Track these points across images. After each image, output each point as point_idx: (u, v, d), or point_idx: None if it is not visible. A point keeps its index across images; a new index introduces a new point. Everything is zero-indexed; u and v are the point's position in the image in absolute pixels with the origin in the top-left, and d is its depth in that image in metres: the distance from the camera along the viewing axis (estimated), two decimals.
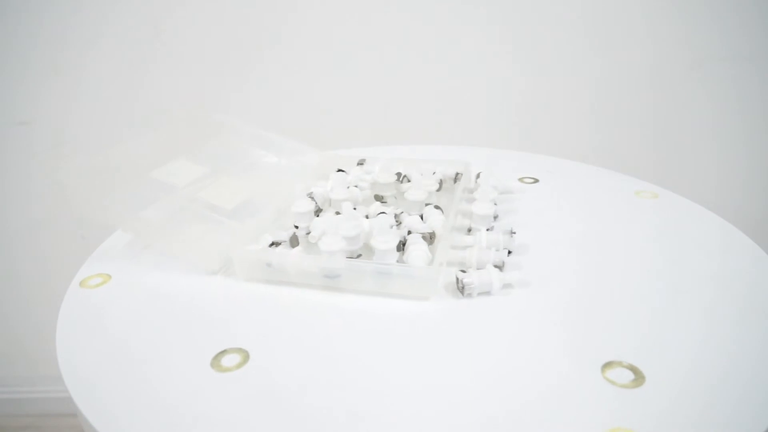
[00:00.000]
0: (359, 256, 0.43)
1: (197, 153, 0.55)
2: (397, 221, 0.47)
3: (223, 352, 0.34)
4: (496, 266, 0.41)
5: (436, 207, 0.48)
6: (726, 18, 0.83)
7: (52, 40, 0.87)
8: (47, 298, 1.02)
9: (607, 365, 0.32)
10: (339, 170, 0.57)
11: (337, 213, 0.49)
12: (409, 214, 0.48)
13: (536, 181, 0.59)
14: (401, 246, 0.43)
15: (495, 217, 0.49)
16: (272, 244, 0.44)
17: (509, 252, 0.44)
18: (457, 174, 0.55)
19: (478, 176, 0.57)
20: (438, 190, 0.53)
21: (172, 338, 0.36)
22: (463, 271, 0.39)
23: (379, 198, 0.54)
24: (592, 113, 0.90)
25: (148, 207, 0.47)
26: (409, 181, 0.55)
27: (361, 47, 0.88)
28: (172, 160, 0.53)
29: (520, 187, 0.58)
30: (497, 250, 0.42)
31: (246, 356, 0.34)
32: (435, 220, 0.46)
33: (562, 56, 0.87)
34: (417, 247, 0.42)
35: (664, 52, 0.86)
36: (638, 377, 0.31)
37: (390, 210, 0.49)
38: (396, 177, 0.54)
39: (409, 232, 0.45)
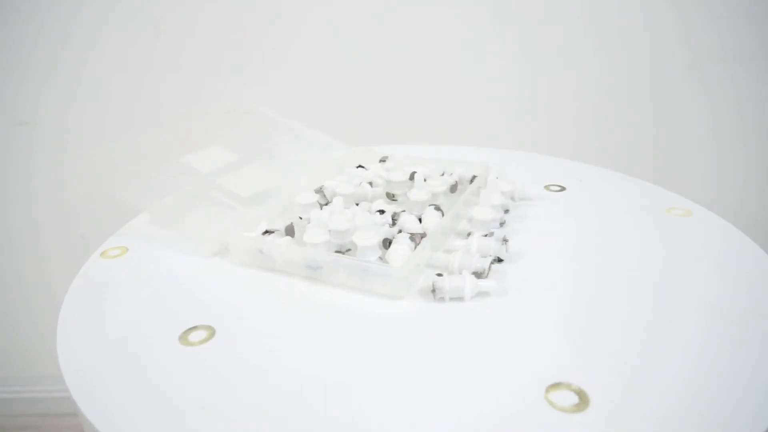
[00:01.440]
0: (348, 250, 0.44)
1: (230, 141, 0.58)
2: (393, 219, 0.47)
3: (194, 328, 0.36)
4: (477, 273, 0.40)
5: (436, 208, 0.48)
6: (726, 18, 0.83)
7: (52, 40, 0.87)
8: (47, 298, 1.02)
9: (554, 386, 0.30)
10: (359, 166, 0.58)
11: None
12: (411, 214, 0.48)
13: (563, 189, 0.57)
14: (388, 244, 0.43)
15: (502, 224, 0.49)
16: (265, 232, 0.46)
17: (500, 260, 0.43)
18: (474, 177, 0.55)
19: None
20: (453, 191, 0.53)
21: (165, 322, 0.37)
22: (440, 275, 0.39)
23: (390, 196, 0.54)
24: (592, 113, 0.90)
25: (174, 190, 0.50)
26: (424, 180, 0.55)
27: (362, 49, 0.88)
28: (205, 147, 0.56)
29: (543, 194, 0.56)
30: (483, 257, 0.41)
31: (212, 333, 0.36)
32: (430, 222, 0.46)
33: (562, 56, 0.87)
34: (399, 247, 0.42)
35: (664, 52, 0.86)
36: (582, 402, 0.29)
37: (390, 208, 0.49)
38: (410, 176, 0.54)
39: (400, 231, 0.45)
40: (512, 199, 0.54)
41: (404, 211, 0.48)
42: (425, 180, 0.53)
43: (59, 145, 0.93)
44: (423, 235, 0.44)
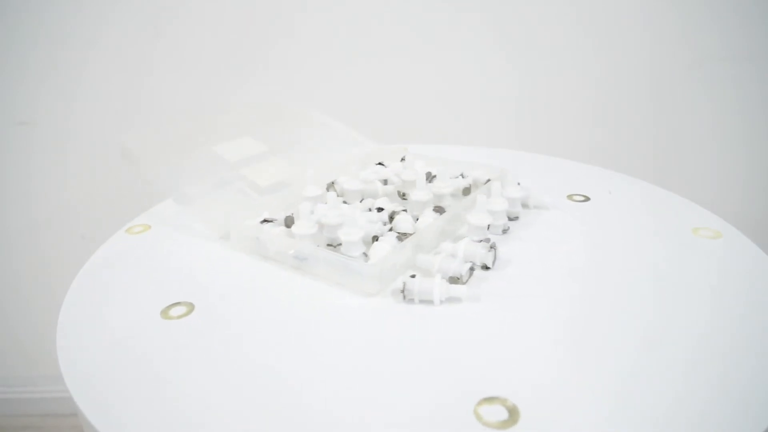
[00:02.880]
0: (340, 245, 0.44)
1: (263, 134, 0.60)
2: (390, 218, 0.47)
3: (176, 304, 0.39)
4: (454, 278, 0.40)
5: (436, 210, 0.48)
6: (726, 18, 0.83)
7: (52, 39, 0.87)
8: (47, 298, 1.02)
9: (488, 400, 0.29)
10: (378, 163, 0.59)
11: (344, 202, 0.51)
12: (408, 214, 0.48)
13: (587, 199, 0.55)
14: (375, 241, 0.44)
15: (505, 231, 0.48)
16: (264, 221, 0.47)
17: (486, 267, 0.42)
18: (488, 181, 0.54)
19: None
20: (466, 194, 0.53)
21: (159, 304, 0.39)
22: (413, 276, 0.39)
23: (401, 194, 0.54)
24: (592, 113, 0.90)
25: (200, 177, 0.53)
26: (429, 181, 0.55)
27: (364, 50, 0.88)
28: (237, 138, 0.59)
29: (564, 203, 0.54)
30: (464, 263, 0.41)
31: (192, 308, 0.39)
32: (423, 223, 0.46)
33: (562, 56, 0.87)
34: (380, 245, 0.42)
35: (664, 52, 0.86)
36: (511, 419, 0.28)
37: (391, 206, 0.49)
38: (426, 176, 0.54)
39: (391, 230, 0.46)
40: (524, 206, 0.53)
41: (405, 210, 0.48)
42: (431, 181, 0.53)
43: (59, 145, 0.93)
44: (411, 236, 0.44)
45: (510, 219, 0.50)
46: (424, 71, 0.89)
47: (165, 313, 0.38)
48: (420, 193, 0.50)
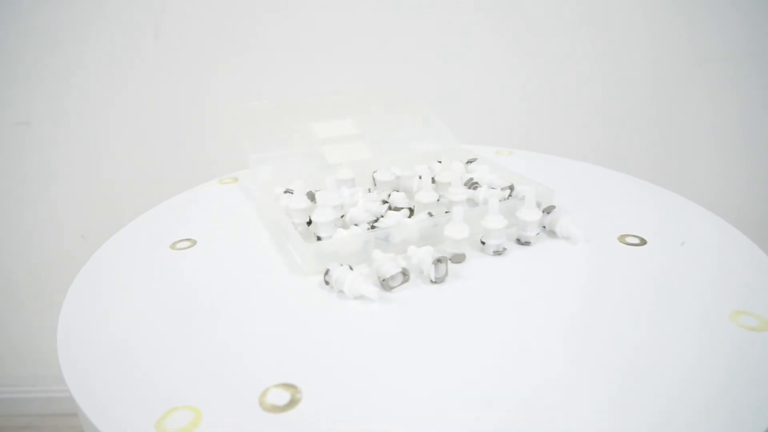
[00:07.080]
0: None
1: (363, 118, 0.65)
2: (389, 209, 0.49)
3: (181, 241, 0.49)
4: (384, 279, 0.40)
5: (430, 214, 0.48)
6: (726, 18, 0.83)
7: (49, 39, 0.87)
8: (47, 298, 1.02)
9: (286, 386, 0.31)
10: (438, 161, 0.61)
11: (369, 190, 0.55)
12: (401, 212, 0.48)
13: (642, 243, 0.45)
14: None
15: (497, 252, 0.45)
16: (286, 191, 0.53)
17: (433, 280, 0.41)
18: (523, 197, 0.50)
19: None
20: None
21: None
22: (343, 266, 0.41)
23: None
24: (592, 113, 0.90)
25: (280, 148, 0.60)
26: (477, 188, 0.54)
27: (365, 48, 0.88)
28: (338, 118, 0.64)
29: (607, 243, 0.46)
30: (397, 267, 0.40)
31: (194, 242, 0.49)
32: (408, 223, 0.46)
33: (563, 57, 0.87)
34: (342, 231, 0.45)
35: (664, 52, 0.86)
36: (289, 404, 0.30)
37: (402, 202, 0.51)
38: (467, 182, 0.54)
39: (376, 221, 0.47)
40: (550, 233, 0.48)
41: (410, 209, 0.49)
42: (472, 186, 0.54)
43: (59, 146, 0.93)
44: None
45: (520, 243, 0.47)
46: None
47: (174, 245, 0.48)
48: (422, 194, 0.51)
